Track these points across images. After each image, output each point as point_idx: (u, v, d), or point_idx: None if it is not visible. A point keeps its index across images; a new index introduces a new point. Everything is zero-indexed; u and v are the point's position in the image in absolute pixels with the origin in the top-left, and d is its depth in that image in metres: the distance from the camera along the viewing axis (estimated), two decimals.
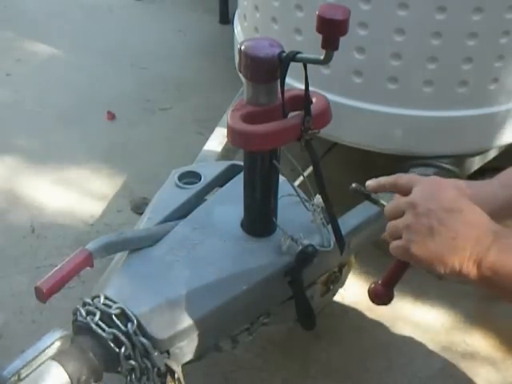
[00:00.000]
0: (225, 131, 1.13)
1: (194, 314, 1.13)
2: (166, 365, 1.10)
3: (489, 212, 0.89)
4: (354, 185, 1.05)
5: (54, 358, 1.02)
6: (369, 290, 1.10)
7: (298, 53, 1.04)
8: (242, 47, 1.07)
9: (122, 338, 1.06)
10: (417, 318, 1.63)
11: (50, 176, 2.02)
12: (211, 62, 2.55)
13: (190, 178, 1.38)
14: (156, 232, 1.24)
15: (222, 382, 1.47)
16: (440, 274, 0.87)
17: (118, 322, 1.07)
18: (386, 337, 1.57)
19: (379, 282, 1.09)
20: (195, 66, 2.55)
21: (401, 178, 0.96)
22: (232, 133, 1.09)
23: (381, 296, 1.09)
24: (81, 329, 1.08)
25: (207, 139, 1.65)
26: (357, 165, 1.95)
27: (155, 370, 1.09)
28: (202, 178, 1.37)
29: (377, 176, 1.02)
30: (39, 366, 1.01)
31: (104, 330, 1.06)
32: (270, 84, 1.09)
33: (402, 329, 1.59)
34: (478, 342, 1.57)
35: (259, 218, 1.26)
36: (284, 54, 1.05)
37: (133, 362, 1.08)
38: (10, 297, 1.64)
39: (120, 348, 1.06)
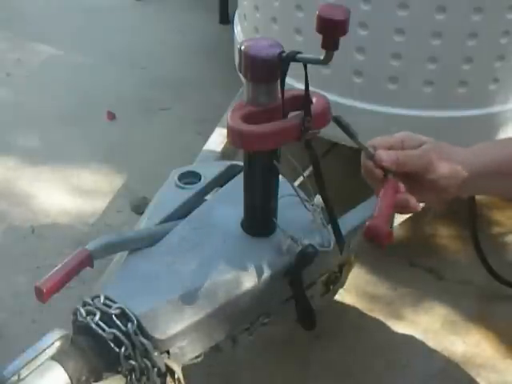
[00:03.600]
0: (225, 131, 1.13)
1: (194, 314, 1.13)
2: (166, 365, 1.11)
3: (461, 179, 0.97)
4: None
5: (54, 357, 1.02)
6: (368, 228, 0.89)
7: (298, 53, 1.04)
8: (242, 47, 1.07)
9: (122, 338, 1.06)
10: (417, 318, 1.63)
11: (50, 176, 2.02)
12: (211, 62, 2.55)
13: (189, 178, 1.38)
14: (156, 232, 1.24)
15: (222, 382, 1.47)
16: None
17: (118, 322, 1.07)
18: (385, 337, 1.57)
19: (373, 218, 0.90)
20: (195, 66, 2.55)
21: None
22: (232, 133, 1.09)
23: (382, 233, 0.89)
24: (81, 329, 1.08)
25: (207, 139, 1.65)
26: (357, 165, 1.94)
27: (155, 369, 1.09)
28: (202, 178, 1.37)
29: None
30: (39, 366, 1.01)
31: (104, 330, 1.06)
32: (270, 84, 1.09)
33: (402, 329, 1.59)
34: (478, 342, 1.57)
35: (259, 218, 1.26)
36: (284, 54, 1.04)
37: (133, 362, 1.07)
38: (10, 297, 1.64)
39: (120, 348, 1.06)
